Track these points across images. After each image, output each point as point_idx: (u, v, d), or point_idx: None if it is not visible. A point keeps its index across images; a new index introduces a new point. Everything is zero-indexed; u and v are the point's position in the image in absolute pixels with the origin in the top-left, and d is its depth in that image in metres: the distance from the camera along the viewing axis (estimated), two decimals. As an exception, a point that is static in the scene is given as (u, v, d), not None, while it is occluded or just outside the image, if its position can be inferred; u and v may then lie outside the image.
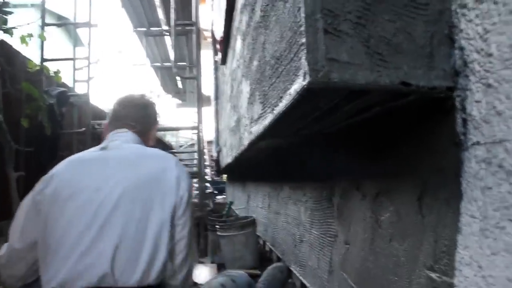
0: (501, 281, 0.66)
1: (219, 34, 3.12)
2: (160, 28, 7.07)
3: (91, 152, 1.43)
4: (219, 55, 3.63)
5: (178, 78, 9.82)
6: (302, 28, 0.79)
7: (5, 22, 2.82)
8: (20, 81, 3.09)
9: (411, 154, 1.01)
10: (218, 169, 6.19)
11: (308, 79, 0.76)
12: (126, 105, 1.57)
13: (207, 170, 12.78)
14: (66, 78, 3.78)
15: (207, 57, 7.03)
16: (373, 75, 0.79)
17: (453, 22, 0.83)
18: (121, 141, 1.46)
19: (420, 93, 0.83)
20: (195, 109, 5.07)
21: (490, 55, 0.72)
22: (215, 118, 6.54)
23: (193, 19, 4.26)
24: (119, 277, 1.15)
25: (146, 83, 8.83)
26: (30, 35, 3.13)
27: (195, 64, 4.46)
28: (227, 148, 3.84)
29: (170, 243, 1.27)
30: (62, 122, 3.51)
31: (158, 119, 1.66)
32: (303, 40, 0.79)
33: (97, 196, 1.23)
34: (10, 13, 2.80)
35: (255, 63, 1.52)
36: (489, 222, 0.69)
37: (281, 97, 1.01)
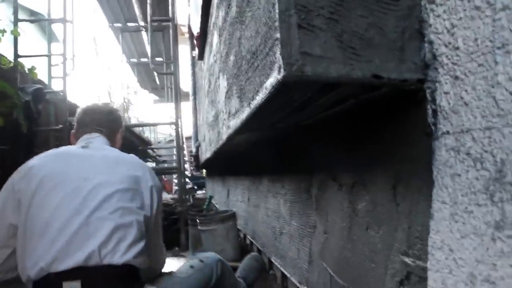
0: (470, 263, 0.69)
1: (196, 29, 3.12)
2: (136, 24, 7.00)
3: (72, 148, 1.56)
4: (196, 51, 3.63)
5: (155, 73, 9.75)
6: (277, 24, 0.81)
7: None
8: (-7, 78, 3.04)
9: (385, 145, 1.05)
10: (198, 164, 6.19)
11: (282, 72, 0.78)
12: (91, 112, 1.71)
13: (187, 166, 12.74)
14: (41, 75, 3.72)
15: (184, 52, 7.00)
16: (345, 68, 0.81)
17: (422, 17, 0.86)
18: (100, 143, 1.61)
19: (392, 86, 0.86)
20: (172, 105, 5.06)
21: (457, 48, 0.75)
22: (193, 113, 6.52)
23: (170, 14, 4.23)
24: (104, 256, 1.25)
25: (122, 79, 8.75)
26: (3, 31, 3.07)
27: (172, 59, 4.43)
28: (206, 143, 3.84)
29: (148, 233, 1.42)
30: (38, 120, 3.46)
31: (122, 123, 1.82)
32: (278, 35, 0.81)
33: (85, 184, 1.35)
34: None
35: (232, 58, 1.53)
36: (458, 207, 0.73)
37: (258, 91, 1.03)
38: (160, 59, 8.50)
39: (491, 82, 0.67)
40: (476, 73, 0.70)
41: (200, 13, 2.63)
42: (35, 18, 7.55)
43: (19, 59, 3.49)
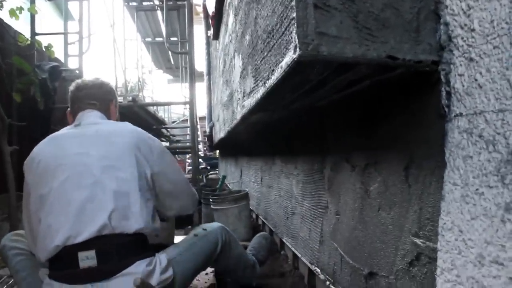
0: (480, 244, 0.70)
1: (211, 9, 3.11)
2: (151, 3, 6.98)
3: (65, 130, 1.64)
4: (212, 30, 3.62)
5: (170, 53, 9.74)
6: (293, 3, 0.81)
7: (-6, -4, 2.79)
8: (11, 56, 3.08)
9: (398, 127, 1.05)
10: (211, 145, 6.21)
11: (298, 52, 0.79)
12: (82, 88, 1.77)
13: (200, 146, 12.81)
14: (58, 53, 3.76)
15: (199, 32, 6.98)
16: (361, 49, 0.82)
17: (439, -3, 0.85)
18: (93, 118, 1.68)
19: (407, 67, 0.86)
20: (186, 85, 5.09)
21: (472, 30, 0.74)
22: (207, 93, 6.53)
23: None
24: (115, 226, 1.34)
25: (137, 58, 8.78)
26: (21, 8, 3.10)
27: (187, 39, 4.42)
28: (220, 123, 3.86)
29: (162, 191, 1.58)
30: (55, 97, 3.50)
31: (115, 94, 1.90)
32: (294, 14, 0.81)
33: (85, 159, 1.45)
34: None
35: (247, 37, 1.53)
36: (469, 189, 0.73)
37: (273, 70, 1.03)
38: (175, 38, 8.48)
39: (506, 64, 0.67)
40: (491, 55, 0.70)
41: (215, -8, 2.61)
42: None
43: (36, 37, 3.52)
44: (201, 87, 7.84)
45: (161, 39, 9.07)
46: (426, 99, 0.91)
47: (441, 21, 0.84)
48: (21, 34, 3.28)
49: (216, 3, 2.74)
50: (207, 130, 6.40)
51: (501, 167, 0.67)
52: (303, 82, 1.06)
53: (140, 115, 5.58)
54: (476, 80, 0.73)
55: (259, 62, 1.28)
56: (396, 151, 1.05)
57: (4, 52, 3.02)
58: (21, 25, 3.33)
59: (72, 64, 3.97)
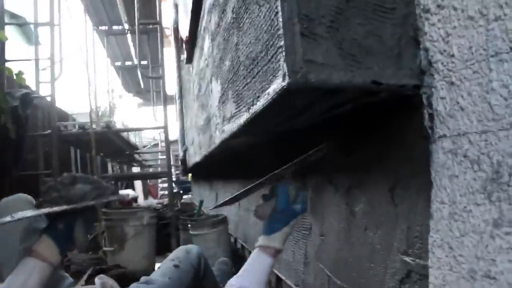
0: (470, 259, 0.73)
1: (184, 33, 3.13)
2: (121, 27, 6.98)
3: None
4: (185, 54, 3.64)
5: (140, 77, 9.71)
6: (280, 32, 0.84)
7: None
8: (-20, 84, 3.02)
9: (381, 148, 1.08)
10: (185, 168, 6.17)
11: (287, 79, 0.81)
12: None
13: (172, 170, 12.70)
14: (28, 79, 3.70)
15: (169, 55, 6.98)
16: (347, 75, 0.85)
17: (418, 25, 0.90)
18: None
19: (390, 91, 0.89)
20: (157, 108, 5.07)
21: (452, 55, 0.79)
22: (179, 117, 6.48)
23: (157, 18, 4.24)
24: None
25: (107, 83, 8.72)
26: (-11, 36, 3.05)
27: (159, 63, 4.43)
28: (195, 147, 3.85)
29: None
30: (26, 125, 3.44)
31: None
32: (282, 43, 0.84)
33: None
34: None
35: (227, 63, 1.56)
36: (457, 207, 0.76)
37: (258, 97, 1.06)
38: (145, 62, 8.47)
39: (486, 88, 0.71)
40: (472, 80, 0.74)
41: (189, 16, 2.64)
42: (20, 21, 7.46)
43: (6, 64, 3.47)
44: (172, 110, 7.81)
45: (130, 63, 9.05)
46: (409, 121, 0.95)
47: (421, 47, 0.88)
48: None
49: (190, 26, 2.76)
50: (180, 154, 6.36)
51: (487, 185, 0.70)
52: (289, 108, 1.09)
53: (113, 141, 5.52)
54: (458, 103, 0.77)
55: (241, 88, 1.30)
56: (381, 172, 1.09)
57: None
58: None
59: (44, 90, 3.92)
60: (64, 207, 1.21)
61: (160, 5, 4.45)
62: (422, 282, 0.89)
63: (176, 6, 5.24)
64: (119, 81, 10.86)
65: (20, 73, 3.42)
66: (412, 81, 0.88)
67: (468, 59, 0.75)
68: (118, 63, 9.34)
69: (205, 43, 2.33)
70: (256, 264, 1.28)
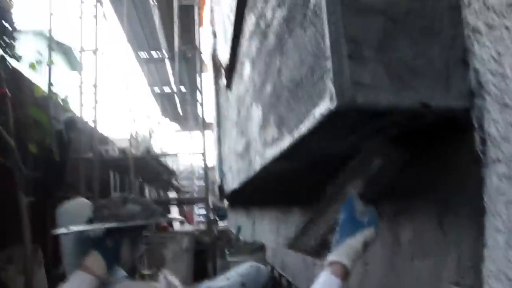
0: (530, 291, 0.69)
1: (224, 59, 3.19)
2: (160, 55, 7.18)
3: None
4: (224, 81, 3.69)
5: (178, 103, 9.91)
6: (327, 54, 0.84)
7: (13, 48, 2.90)
8: (28, 107, 3.15)
9: (429, 173, 1.05)
10: (222, 195, 6.19)
11: (335, 101, 0.81)
12: None
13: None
14: (72, 104, 3.85)
15: (207, 82, 7.12)
16: (395, 97, 0.83)
17: (466, 46, 0.88)
18: None
19: (438, 114, 0.87)
20: (194, 134, 5.15)
21: (504, 76, 0.76)
22: (217, 143, 6.55)
23: (197, 44, 4.34)
24: None
25: (146, 109, 8.99)
26: (39, 62, 3.21)
27: (199, 89, 4.51)
28: (233, 173, 3.85)
29: None
30: (69, 148, 3.55)
31: None
32: (329, 65, 0.83)
33: None
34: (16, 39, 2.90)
35: (269, 88, 1.57)
36: (514, 235, 0.72)
37: (303, 120, 1.05)
38: (183, 89, 8.65)
39: (544, 109, 0.68)
40: (528, 101, 0.72)
41: (229, 43, 2.69)
42: (66, 48, 7.82)
43: (52, 88, 3.62)
44: (209, 138, 7.90)
45: (169, 89, 9.26)
46: (459, 145, 0.92)
47: (470, 68, 0.86)
48: (38, 86, 3.38)
49: (230, 53, 2.81)
50: (218, 180, 6.39)
51: (548, 212, 0.66)
52: (334, 131, 1.07)
53: (152, 165, 5.62)
54: (513, 126, 0.74)
55: (284, 112, 1.30)
56: (428, 198, 1.05)
57: (22, 104, 3.10)
58: (36, 77, 3.43)
59: (87, 114, 4.05)
60: (115, 224, 1.26)
61: (199, 32, 4.55)
62: (476, 315, 0.85)
63: (214, 34, 5.36)
64: (158, 108, 11.12)
65: (66, 98, 3.56)
66: (462, 103, 0.86)
67: (523, 80, 0.72)
68: (157, 90, 9.58)
69: (245, 69, 2.36)
70: (324, 286, 1.08)
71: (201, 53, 5.07)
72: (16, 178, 2.87)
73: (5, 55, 3.02)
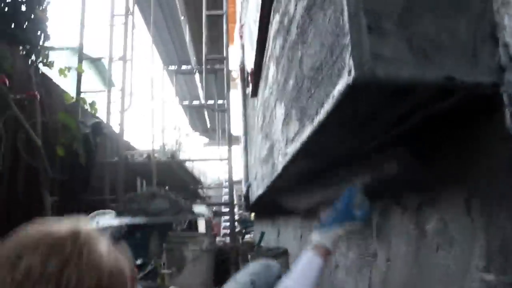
0: None
1: (250, 66, 3.20)
2: (189, 67, 7.27)
3: None
4: (250, 88, 3.70)
5: (206, 115, 10.00)
6: (346, 28, 0.82)
7: (46, 57, 2.98)
8: (57, 112, 3.23)
9: (455, 158, 1.00)
10: (248, 204, 6.18)
11: (353, 74, 0.78)
12: None
13: (235, 210, 12.74)
14: (100, 110, 3.92)
15: (235, 96, 7.17)
16: (417, 70, 0.80)
17: (495, 20, 0.84)
18: None
19: (465, 89, 0.83)
20: (223, 148, 5.15)
21: (537, 45, 0.72)
22: (243, 155, 6.58)
23: (224, 53, 4.38)
24: None
25: (175, 120, 9.10)
26: (69, 68, 3.29)
27: (225, 96, 4.54)
28: (258, 180, 3.84)
29: None
30: (96, 152, 3.61)
31: None
32: (348, 38, 0.81)
33: None
34: (52, 48, 2.98)
35: (291, 82, 1.55)
36: (547, 210, 0.68)
37: (323, 104, 1.02)
38: (212, 101, 8.73)
39: None
40: (561, 69, 0.67)
41: (255, 47, 2.70)
42: (98, 64, 8.05)
43: (81, 95, 3.70)
44: (236, 151, 7.91)
45: (198, 102, 9.36)
46: (486, 125, 0.88)
47: (499, 43, 0.82)
48: (67, 93, 3.47)
49: (256, 57, 2.81)
50: (244, 190, 6.38)
51: None
52: (353, 116, 1.04)
53: (177, 172, 5.64)
54: (545, 94, 0.69)
55: (305, 102, 1.28)
56: (455, 185, 1.00)
57: (51, 108, 3.18)
58: (66, 84, 3.52)
59: (114, 121, 4.12)
60: (144, 219, 1.27)
61: (227, 43, 4.59)
62: (506, 302, 0.79)
63: (242, 47, 5.42)
64: (187, 120, 11.25)
65: (93, 103, 3.64)
66: (490, 78, 0.81)
67: (556, 47, 0.68)
68: (186, 102, 9.70)
69: (270, 71, 2.35)
70: (306, 265, 1.21)
71: (229, 66, 5.10)
72: (41, 178, 2.92)
73: (37, 62, 3.11)
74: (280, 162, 1.95)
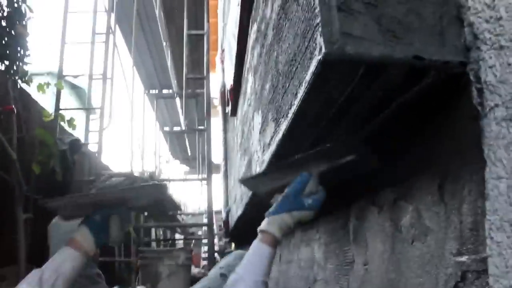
0: (534, 233, 0.63)
1: (230, 82, 3.22)
2: (170, 91, 7.29)
3: None
4: (229, 107, 3.72)
5: (187, 143, 9.97)
6: (317, 10, 0.83)
7: (25, 73, 2.96)
8: (35, 128, 3.19)
9: (428, 147, 1.01)
10: (227, 231, 6.11)
11: (323, 51, 0.78)
12: None
13: (215, 240, 12.57)
14: (78, 128, 3.88)
15: (216, 123, 7.20)
16: (386, 49, 0.81)
17: (460, 3, 0.86)
18: None
19: (435, 68, 0.84)
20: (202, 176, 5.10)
21: (499, 18, 0.74)
22: (223, 180, 6.57)
23: (204, 73, 4.41)
24: None
25: (155, 146, 9.00)
26: (48, 84, 3.26)
27: (205, 114, 4.54)
28: (237, 202, 3.81)
29: None
30: (73, 170, 3.55)
31: None
32: (318, 19, 0.82)
33: None
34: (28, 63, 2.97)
35: (268, 85, 1.55)
36: (516, 177, 0.68)
37: (296, 93, 1.03)
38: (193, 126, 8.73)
39: (540, 44, 0.65)
40: (524, 39, 0.69)
41: (234, 62, 2.72)
42: (78, 89, 8.01)
43: (60, 111, 3.67)
44: (217, 179, 7.87)
45: (178, 129, 9.34)
46: (455, 109, 0.89)
47: (464, 23, 0.84)
48: (45, 109, 3.43)
49: (235, 72, 2.83)
50: (223, 215, 6.33)
51: (550, 145, 0.62)
52: (327, 103, 1.04)
53: (158, 198, 5.54)
54: (509, 64, 0.71)
55: (280, 100, 1.28)
56: (428, 172, 1.00)
57: (28, 124, 3.14)
58: (45, 102, 3.49)
59: (92, 139, 4.07)
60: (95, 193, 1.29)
61: (208, 63, 4.62)
62: (479, 280, 0.78)
63: (223, 71, 5.48)
64: (167, 147, 11.18)
65: (72, 120, 3.60)
66: (458, 57, 0.83)
67: (518, 19, 0.70)
68: (167, 129, 9.67)
69: (249, 84, 2.37)
70: (253, 253, 1.20)
71: (209, 87, 5.13)
72: (15, 194, 2.85)
73: (15, 77, 3.09)
74: (258, 172, 1.94)
